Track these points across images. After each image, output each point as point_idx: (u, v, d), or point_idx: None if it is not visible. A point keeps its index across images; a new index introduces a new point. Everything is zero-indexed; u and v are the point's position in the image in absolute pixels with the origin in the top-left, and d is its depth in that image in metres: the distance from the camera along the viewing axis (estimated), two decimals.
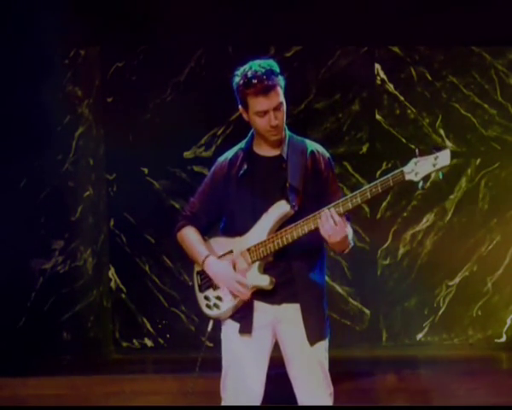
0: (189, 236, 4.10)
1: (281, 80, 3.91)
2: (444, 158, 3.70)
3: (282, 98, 3.90)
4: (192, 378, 4.36)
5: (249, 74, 3.87)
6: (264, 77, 3.85)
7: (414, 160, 3.73)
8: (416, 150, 3.73)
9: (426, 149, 3.73)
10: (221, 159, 4.11)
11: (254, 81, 3.84)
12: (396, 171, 3.74)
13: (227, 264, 3.98)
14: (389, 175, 3.75)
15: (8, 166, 6.50)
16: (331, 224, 3.77)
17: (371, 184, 3.78)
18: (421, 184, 3.73)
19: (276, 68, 3.91)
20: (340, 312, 7.23)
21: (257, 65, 3.89)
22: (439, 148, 3.72)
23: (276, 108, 3.88)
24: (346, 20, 6.78)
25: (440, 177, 3.73)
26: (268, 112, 3.87)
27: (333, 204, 3.82)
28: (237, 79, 3.93)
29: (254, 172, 4.00)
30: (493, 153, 7.34)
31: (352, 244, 3.96)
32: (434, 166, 3.70)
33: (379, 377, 5.59)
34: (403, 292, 7.35)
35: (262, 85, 3.84)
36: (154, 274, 7.40)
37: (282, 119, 3.91)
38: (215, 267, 4.00)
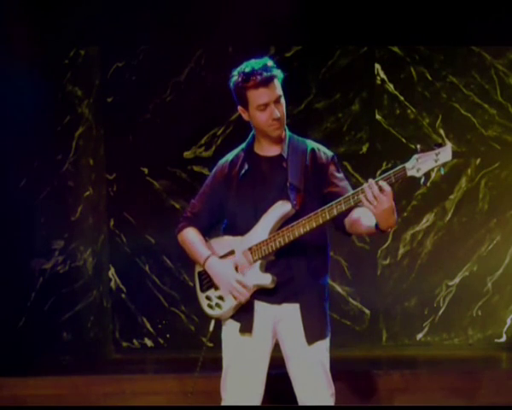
0: (190, 237, 4.11)
1: (278, 73, 3.94)
2: (445, 154, 3.70)
3: (281, 91, 3.94)
4: (192, 378, 4.35)
5: (247, 70, 3.92)
6: (263, 70, 3.90)
7: (415, 156, 3.73)
8: (418, 147, 3.74)
9: (427, 147, 3.74)
10: (222, 161, 4.13)
11: (253, 75, 3.89)
12: (398, 167, 3.74)
13: (229, 265, 3.98)
14: (391, 171, 3.74)
15: (8, 166, 6.50)
16: (375, 191, 3.67)
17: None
18: (422, 179, 3.72)
19: (272, 63, 3.95)
20: (340, 312, 7.22)
21: (253, 62, 3.95)
22: (441, 144, 3.72)
23: (277, 101, 3.91)
24: (346, 20, 6.78)
25: (442, 172, 3.72)
26: (269, 104, 3.90)
27: (366, 184, 3.72)
28: (235, 78, 3.97)
29: (255, 171, 4.01)
30: (493, 153, 7.34)
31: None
32: (436, 161, 3.70)
33: (379, 377, 5.58)
34: (403, 292, 7.34)
35: (262, 77, 3.88)
36: (154, 274, 7.39)
37: (282, 112, 3.93)
38: (216, 268, 4.00)
